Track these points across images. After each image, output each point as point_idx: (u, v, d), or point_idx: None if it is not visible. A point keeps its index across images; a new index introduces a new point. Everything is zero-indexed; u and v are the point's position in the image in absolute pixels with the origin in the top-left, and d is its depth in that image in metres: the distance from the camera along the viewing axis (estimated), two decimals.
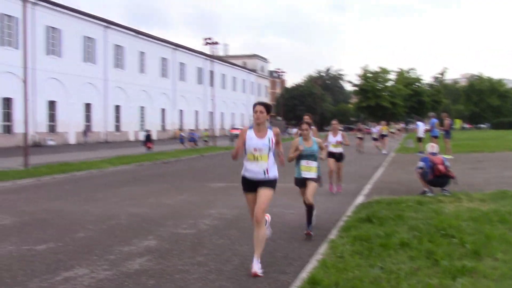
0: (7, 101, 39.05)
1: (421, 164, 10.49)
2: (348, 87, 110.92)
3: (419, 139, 25.17)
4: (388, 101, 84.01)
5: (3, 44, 38.22)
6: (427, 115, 26.97)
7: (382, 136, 29.35)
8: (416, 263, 5.20)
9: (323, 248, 6.23)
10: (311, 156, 7.59)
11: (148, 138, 32.75)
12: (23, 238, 7.58)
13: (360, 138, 29.78)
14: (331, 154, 11.62)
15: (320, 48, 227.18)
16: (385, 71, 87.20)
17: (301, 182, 7.65)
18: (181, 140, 37.23)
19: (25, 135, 20.21)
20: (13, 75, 37.66)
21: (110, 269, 5.85)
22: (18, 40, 38.58)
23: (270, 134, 5.72)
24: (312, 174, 7.54)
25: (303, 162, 7.57)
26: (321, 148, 7.96)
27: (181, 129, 45.16)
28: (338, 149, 12.03)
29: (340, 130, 12.13)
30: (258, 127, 5.72)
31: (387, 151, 27.55)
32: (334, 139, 11.87)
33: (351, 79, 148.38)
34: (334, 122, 12.35)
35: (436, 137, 22.28)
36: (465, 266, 4.95)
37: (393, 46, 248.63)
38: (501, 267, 4.99)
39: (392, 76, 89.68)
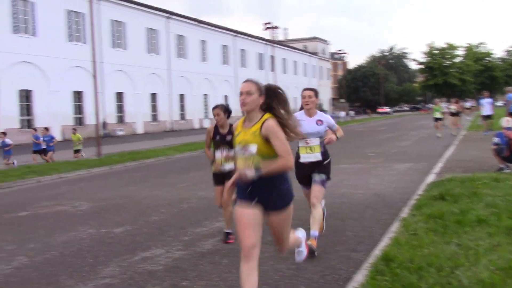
0: (78, 94, 40.81)
1: (496, 140, 10.03)
2: (413, 66, 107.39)
3: (485, 117, 23.59)
4: (457, 78, 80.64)
5: (71, 39, 39.87)
6: (505, 90, 24.32)
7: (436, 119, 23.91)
8: (495, 240, 5.00)
9: (395, 226, 6.11)
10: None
11: None
12: (101, 222, 7.93)
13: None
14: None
15: (382, 27, 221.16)
16: (452, 47, 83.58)
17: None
18: (7, 151, 18.73)
19: (97, 126, 21.06)
20: (82, 69, 39.29)
21: (184, 249, 6.02)
22: (86, 35, 40.11)
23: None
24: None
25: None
26: None
27: (4, 133, 19.56)
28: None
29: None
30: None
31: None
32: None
33: (416, 57, 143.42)
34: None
35: None
36: None
37: (460, 21, 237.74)
38: None
39: (460, 52, 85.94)
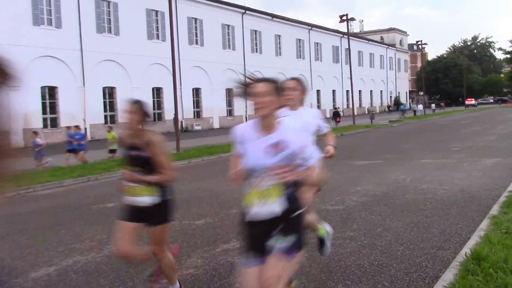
0: (158, 91, 42.25)
1: None
2: (499, 55, 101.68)
3: None
4: None
5: (151, 37, 41.32)
6: None
7: None
8: None
9: (484, 224, 5.81)
10: None
11: (337, 114, 40.10)
12: (183, 214, 8.14)
13: None
14: None
15: (465, 16, 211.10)
16: None
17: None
18: (38, 152, 16.77)
19: (176, 121, 21.71)
20: (161, 66, 40.68)
21: None
22: (165, 33, 41.36)
23: None
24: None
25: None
26: None
27: (36, 132, 17.61)
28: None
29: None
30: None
31: None
32: None
33: (502, 46, 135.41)
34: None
35: None
36: None
37: None
38: None
39: None
